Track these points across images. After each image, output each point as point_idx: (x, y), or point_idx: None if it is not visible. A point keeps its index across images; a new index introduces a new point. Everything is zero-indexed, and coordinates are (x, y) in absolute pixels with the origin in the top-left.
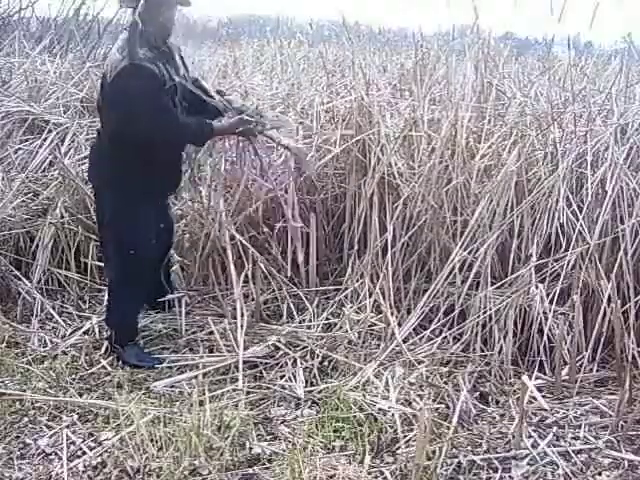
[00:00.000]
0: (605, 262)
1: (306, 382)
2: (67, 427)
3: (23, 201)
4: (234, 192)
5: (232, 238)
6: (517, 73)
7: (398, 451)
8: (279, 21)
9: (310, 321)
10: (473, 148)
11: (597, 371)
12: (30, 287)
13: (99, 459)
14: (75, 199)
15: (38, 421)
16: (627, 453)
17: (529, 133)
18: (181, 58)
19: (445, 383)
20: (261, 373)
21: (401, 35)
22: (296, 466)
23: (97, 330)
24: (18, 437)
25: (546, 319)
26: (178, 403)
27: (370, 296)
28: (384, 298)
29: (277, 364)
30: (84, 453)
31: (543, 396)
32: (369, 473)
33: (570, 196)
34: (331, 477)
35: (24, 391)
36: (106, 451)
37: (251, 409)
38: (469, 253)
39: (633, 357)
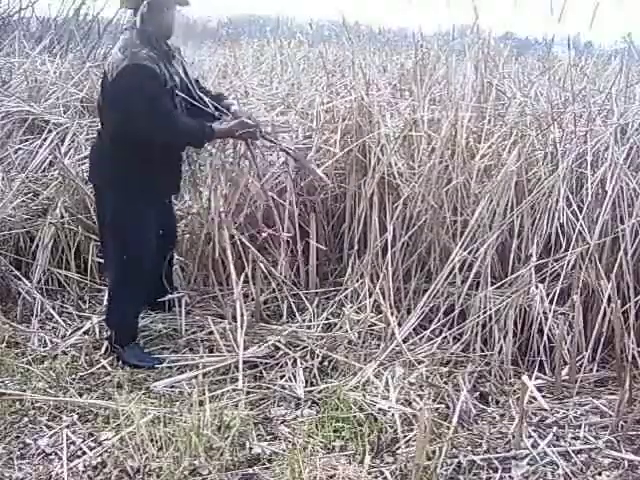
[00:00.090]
0: (605, 262)
1: (306, 382)
2: (67, 427)
3: (23, 201)
4: (234, 193)
5: (232, 237)
6: (517, 73)
7: (398, 451)
8: (279, 21)
9: (310, 321)
10: (473, 148)
11: (597, 371)
12: (30, 287)
13: (99, 459)
14: (75, 199)
15: (38, 421)
16: (627, 453)
17: (529, 133)
18: (181, 59)
19: (445, 383)
20: (261, 373)
21: (401, 35)
22: (296, 466)
23: (97, 330)
24: (18, 437)
25: (546, 319)
26: (178, 403)
27: (370, 296)
28: (384, 298)
29: (277, 364)
30: (84, 453)
31: (543, 396)
32: (369, 473)
33: (570, 196)
34: (331, 477)
35: (24, 391)
36: (106, 451)
37: (251, 409)
38: (469, 253)
39: (633, 357)
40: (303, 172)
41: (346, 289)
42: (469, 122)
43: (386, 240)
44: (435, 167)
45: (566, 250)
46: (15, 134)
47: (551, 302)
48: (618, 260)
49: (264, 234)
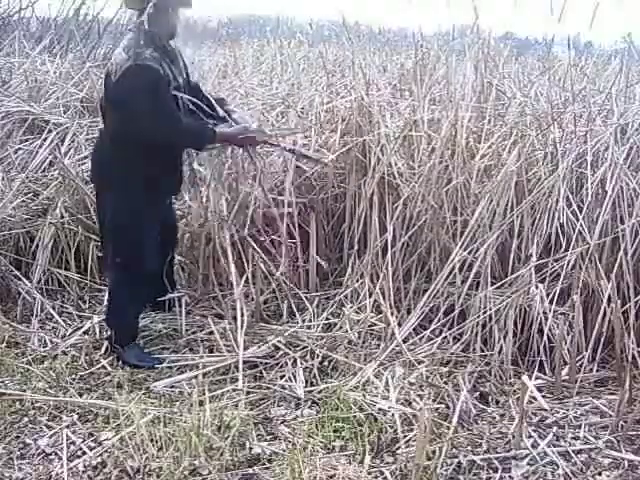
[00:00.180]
0: (605, 262)
1: (306, 382)
2: (67, 427)
3: (23, 201)
4: (235, 193)
5: (232, 237)
6: (517, 73)
7: (398, 451)
8: (279, 21)
9: (310, 321)
10: (473, 148)
11: (597, 371)
12: (30, 287)
13: (99, 459)
14: (75, 199)
15: (38, 421)
16: (627, 453)
17: (529, 133)
18: (183, 61)
19: (445, 383)
20: (261, 373)
21: (401, 35)
22: (296, 466)
23: (97, 330)
24: (18, 437)
25: (546, 319)
26: (178, 403)
27: (370, 296)
28: (384, 298)
29: (277, 364)
30: (84, 453)
31: (543, 396)
32: (369, 473)
33: (570, 196)
34: (331, 477)
35: (24, 391)
36: (106, 451)
37: (251, 409)
38: (469, 253)
39: (633, 357)
40: (307, 163)
41: (346, 289)
42: (469, 122)
43: (386, 240)
44: (435, 167)
45: (566, 250)
46: (15, 134)
47: (551, 302)
48: (618, 260)
49: (266, 239)
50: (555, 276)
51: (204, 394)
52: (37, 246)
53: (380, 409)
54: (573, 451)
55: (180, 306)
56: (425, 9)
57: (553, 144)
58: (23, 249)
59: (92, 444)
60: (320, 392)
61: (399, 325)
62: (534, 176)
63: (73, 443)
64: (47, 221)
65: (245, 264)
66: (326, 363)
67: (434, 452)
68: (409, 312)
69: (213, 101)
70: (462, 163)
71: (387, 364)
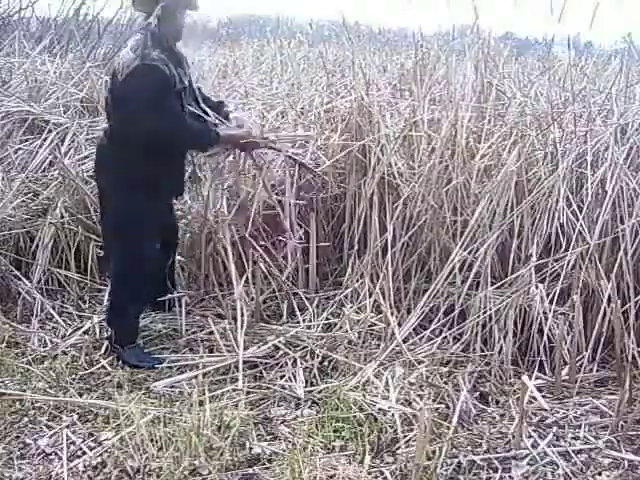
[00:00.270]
0: (605, 262)
1: (306, 382)
2: (67, 427)
3: (23, 201)
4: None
5: (232, 237)
6: (517, 73)
7: (398, 451)
8: (279, 21)
9: (310, 321)
10: (473, 148)
11: (597, 371)
12: (30, 287)
13: (99, 459)
14: (75, 199)
15: (38, 421)
16: (627, 453)
17: (529, 133)
18: (187, 63)
19: (445, 383)
20: (261, 373)
21: (401, 35)
22: (296, 466)
23: (97, 330)
24: (18, 437)
25: (546, 319)
26: (178, 403)
27: (370, 296)
28: (384, 298)
29: (277, 364)
30: (84, 453)
31: (543, 396)
32: (369, 473)
33: (570, 196)
34: (331, 477)
35: (24, 391)
36: (106, 451)
37: (251, 409)
38: (469, 253)
39: (633, 357)
40: (305, 174)
41: (346, 289)
42: (469, 122)
43: (386, 240)
44: (435, 167)
45: (566, 250)
46: (15, 134)
47: (551, 302)
48: (618, 260)
49: (267, 240)
50: (555, 276)
51: (204, 394)
52: (37, 246)
53: (380, 409)
54: (573, 451)
55: (180, 306)
56: (425, 9)
57: (553, 144)
58: (23, 249)
59: (92, 444)
60: (320, 392)
61: (399, 325)
62: (534, 176)
63: (73, 443)
64: (47, 221)
65: (245, 264)
66: (326, 363)
67: (434, 452)
68: (409, 312)
69: (211, 104)
70: (462, 163)
71: (387, 364)
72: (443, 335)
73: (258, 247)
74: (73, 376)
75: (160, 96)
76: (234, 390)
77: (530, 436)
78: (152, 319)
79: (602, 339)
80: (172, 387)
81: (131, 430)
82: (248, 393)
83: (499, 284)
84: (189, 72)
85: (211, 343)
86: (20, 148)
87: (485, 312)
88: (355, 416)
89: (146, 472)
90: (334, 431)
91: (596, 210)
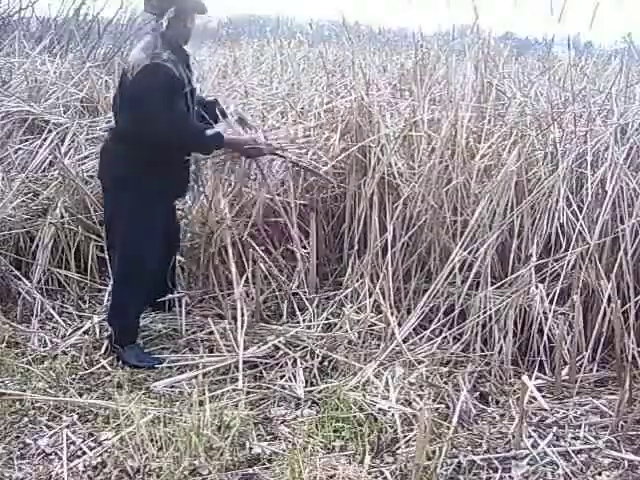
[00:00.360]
0: (605, 262)
1: (306, 382)
2: (67, 427)
3: (23, 201)
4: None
5: (232, 237)
6: (517, 73)
7: (398, 451)
8: (279, 21)
9: (310, 321)
10: (473, 148)
11: (597, 371)
12: (30, 287)
13: (99, 459)
14: (75, 199)
15: (38, 421)
16: (627, 453)
17: (529, 133)
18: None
19: (445, 383)
20: (261, 373)
21: (401, 35)
22: (296, 466)
23: (97, 330)
24: (18, 437)
25: (546, 319)
26: (178, 403)
27: (370, 296)
28: (384, 298)
29: (277, 364)
30: (84, 453)
31: (543, 396)
32: (369, 473)
33: (570, 196)
34: (331, 477)
35: (24, 391)
36: (106, 451)
37: (251, 409)
38: (469, 253)
39: (633, 357)
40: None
41: (346, 289)
42: (469, 122)
43: (386, 240)
44: (435, 167)
45: (566, 250)
46: (15, 134)
47: (551, 302)
48: (618, 260)
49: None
50: (555, 276)
51: (204, 394)
52: (37, 246)
53: (380, 409)
54: (573, 451)
55: (180, 306)
56: (425, 9)
57: (553, 144)
58: (23, 249)
59: (92, 444)
60: (320, 392)
61: (399, 325)
62: (534, 176)
63: (73, 443)
64: (47, 221)
65: (245, 264)
66: (326, 363)
67: (434, 452)
68: (409, 312)
69: (205, 103)
70: (462, 163)
71: (387, 364)
72: (443, 335)
73: (259, 250)
74: (73, 376)
75: (169, 95)
76: (234, 390)
77: (530, 436)
78: (152, 319)
79: (602, 339)
80: (172, 387)
81: (131, 430)
82: (248, 393)
83: (499, 284)
84: (195, 74)
85: (211, 343)
86: (20, 148)
87: (485, 312)
88: (355, 416)
89: (146, 472)
90: (334, 431)
91: (596, 210)
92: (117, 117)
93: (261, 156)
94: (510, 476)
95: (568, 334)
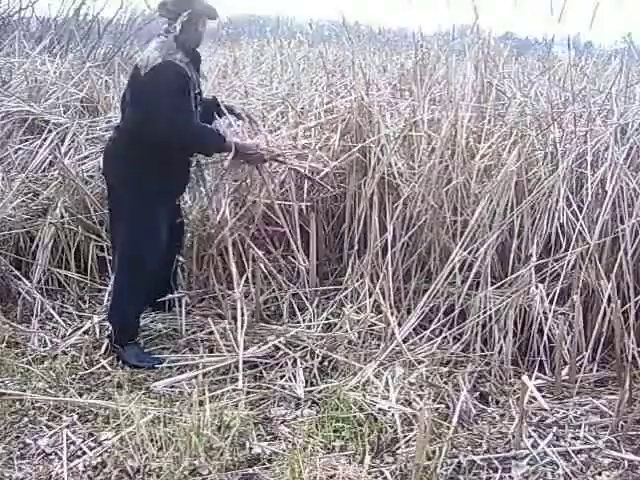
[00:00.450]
0: (605, 262)
1: (306, 382)
2: (67, 427)
3: (23, 201)
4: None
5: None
6: (517, 73)
7: (398, 451)
8: (279, 21)
9: (310, 321)
10: (473, 148)
11: (597, 371)
12: (30, 287)
13: (99, 459)
14: (75, 199)
15: (38, 421)
16: (627, 453)
17: (529, 133)
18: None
19: (445, 383)
20: (261, 373)
21: (401, 35)
22: (296, 466)
23: (97, 330)
24: (18, 437)
25: (546, 319)
26: (178, 403)
27: (370, 296)
28: (384, 298)
29: (277, 364)
30: (84, 453)
31: (543, 396)
32: (369, 473)
33: (570, 196)
34: (331, 477)
35: (24, 391)
36: (106, 451)
37: (251, 409)
38: (469, 253)
39: (633, 357)
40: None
41: (346, 289)
42: (469, 122)
43: (386, 240)
44: (435, 167)
45: (566, 250)
46: (15, 134)
47: (551, 302)
48: (618, 260)
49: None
50: (555, 276)
51: (204, 394)
52: (37, 246)
53: (380, 409)
54: (573, 451)
55: (180, 306)
56: (425, 9)
57: (553, 144)
58: (23, 249)
59: (92, 444)
60: (320, 392)
61: (399, 325)
62: (534, 176)
63: (73, 443)
64: (47, 221)
65: (245, 264)
66: (326, 363)
67: (434, 452)
68: (409, 312)
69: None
70: (462, 163)
71: (387, 364)
72: (443, 335)
73: (254, 247)
74: (73, 376)
75: (178, 94)
76: (234, 390)
77: (530, 436)
78: (152, 319)
79: (602, 339)
80: (172, 387)
81: (131, 430)
82: (248, 393)
83: (499, 284)
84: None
85: (211, 343)
86: (20, 148)
87: (485, 312)
88: (355, 416)
89: (146, 472)
90: (334, 431)
91: (596, 210)
92: (123, 114)
93: (264, 162)
94: (510, 476)
95: (568, 334)
